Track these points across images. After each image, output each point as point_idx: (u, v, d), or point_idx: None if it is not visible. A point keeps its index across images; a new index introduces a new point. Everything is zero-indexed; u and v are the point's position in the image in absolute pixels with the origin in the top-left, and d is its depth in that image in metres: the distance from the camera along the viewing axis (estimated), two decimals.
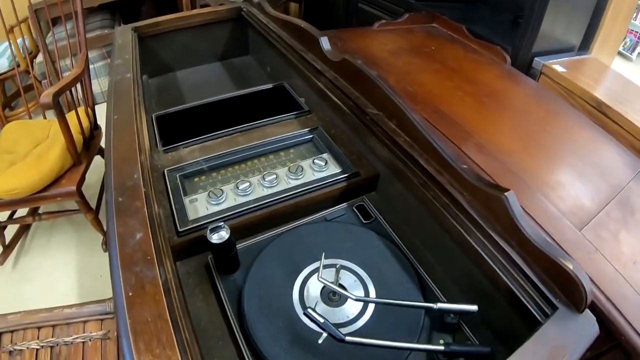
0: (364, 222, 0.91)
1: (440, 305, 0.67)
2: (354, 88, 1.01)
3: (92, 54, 2.66)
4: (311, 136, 1.07)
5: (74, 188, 1.53)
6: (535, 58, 1.59)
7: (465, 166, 0.73)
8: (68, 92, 1.77)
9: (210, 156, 0.99)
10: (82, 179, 1.59)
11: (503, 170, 0.94)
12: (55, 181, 1.54)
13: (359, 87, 1.00)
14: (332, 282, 0.70)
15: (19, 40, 2.20)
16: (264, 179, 0.91)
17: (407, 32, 1.71)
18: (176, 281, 0.63)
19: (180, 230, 0.81)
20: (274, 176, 0.92)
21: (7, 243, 1.87)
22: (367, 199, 0.96)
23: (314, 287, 0.76)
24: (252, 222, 0.86)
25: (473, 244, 0.69)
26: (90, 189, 2.06)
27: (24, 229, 2.00)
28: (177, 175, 0.94)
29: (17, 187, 1.45)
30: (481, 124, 1.11)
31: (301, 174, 0.94)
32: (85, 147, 1.67)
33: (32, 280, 1.86)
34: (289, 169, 0.94)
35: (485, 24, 1.77)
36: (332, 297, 0.75)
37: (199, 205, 0.87)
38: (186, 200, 0.88)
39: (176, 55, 1.59)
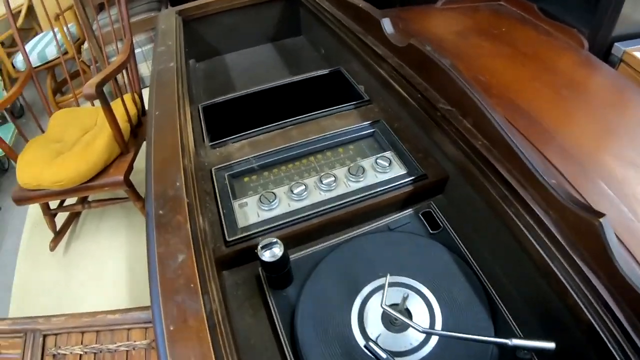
0: (432, 232, 0.79)
1: (515, 342, 0.56)
2: (421, 78, 0.87)
3: (139, 38, 2.62)
4: (372, 130, 0.94)
5: (121, 177, 1.48)
6: (616, 43, 1.39)
7: (554, 181, 0.60)
8: (114, 78, 1.72)
9: (262, 153, 0.89)
10: (130, 167, 1.55)
11: (590, 183, 0.78)
12: (103, 170, 1.50)
13: (427, 77, 0.86)
14: (397, 310, 0.60)
15: (65, 28, 2.18)
16: (321, 181, 0.80)
17: (473, 11, 1.53)
18: (222, 311, 0.54)
19: (228, 240, 0.72)
20: (332, 178, 0.81)
21: (57, 229, 1.86)
22: (434, 204, 0.83)
23: (375, 310, 0.66)
24: (307, 230, 0.76)
25: (556, 271, 0.57)
26: (140, 175, 2.02)
27: (74, 216, 1.99)
28: (226, 175, 0.85)
29: (64, 178, 1.42)
30: (563, 122, 0.95)
31: (362, 176, 0.82)
32: (132, 135, 1.62)
33: (82, 266, 1.86)
34: (349, 169, 0.83)
35: (558, 2, 1.56)
36: (394, 321, 0.65)
37: (249, 211, 0.77)
38: (235, 204, 0.79)
39: (224, 37, 1.49)
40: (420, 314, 0.65)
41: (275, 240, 0.62)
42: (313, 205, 0.78)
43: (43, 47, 2.49)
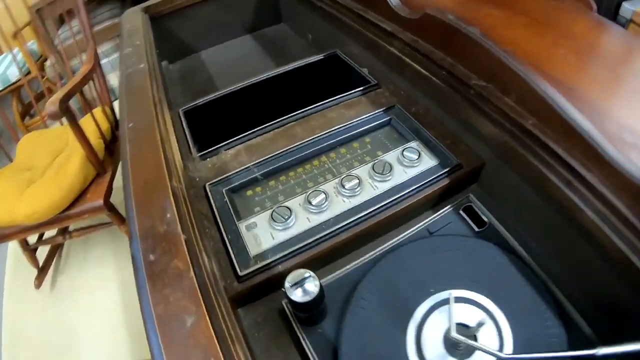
0: (477, 230, 0.66)
1: (604, 350, 0.44)
2: (444, 52, 0.73)
3: (104, 47, 2.43)
4: (388, 118, 0.80)
5: (101, 202, 1.32)
6: (624, 3, 1.30)
7: (623, 160, 0.47)
8: (82, 92, 1.54)
9: (263, 159, 0.73)
10: (109, 189, 1.38)
11: None
12: (80, 196, 1.33)
13: (452, 50, 0.72)
14: (467, 335, 0.47)
15: (25, 46, 1.99)
16: (342, 185, 0.66)
17: None
18: None
19: (241, 274, 0.57)
20: (356, 181, 0.66)
21: (40, 265, 1.69)
22: (473, 196, 0.69)
23: (433, 333, 0.53)
24: (334, 248, 0.62)
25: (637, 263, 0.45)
26: (121, 194, 1.85)
27: (57, 248, 1.82)
28: (224, 191, 0.69)
29: (38, 210, 1.25)
30: (597, 90, 0.81)
31: (389, 174, 0.68)
32: (108, 152, 1.45)
33: (73, 300, 1.69)
34: (372, 167, 0.68)
35: None
36: (458, 346, 0.51)
37: (261, 233, 0.62)
38: (242, 226, 0.63)
39: (198, 32, 1.32)
40: (487, 333, 0.53)
41: (307, 274, 0.48)
42: (338, 217, 0.63)
43: (4, 69, 2.28)
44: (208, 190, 0.69)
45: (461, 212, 0.68)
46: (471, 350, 0.51)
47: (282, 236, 0.61)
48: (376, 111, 0.80)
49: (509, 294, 0.56)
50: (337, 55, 1.00)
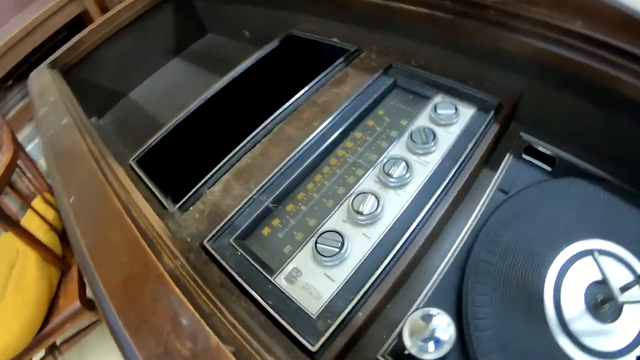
0: (550, 169, 0.52)
1: None
2: None
3: (24, 133, 2.17)
4: (392, 79, 0.62)
5: (77, 304, 1.09)
6: None
7: None
8: (15, 187, 1.30)
9: (265, 181, 0.54)
10: (82, 285, 1.15)
11: None
12: (52, 305, 1.10)
13: None
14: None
15: None
16: (387, 174, 0.48)
17: None
18: None
19: (315, 349, 0.38)
20: (402, 164, 0.48)
21: None
22: (527, 134, 0.54)
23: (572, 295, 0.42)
24: (415, 259, 0.44)
25: None
26: None
27: None
28: (231, 242, 0.50)
29: (10, 341, 1.02)
30: None
31: (433, 142, 0.51)
32: (65, 243, 1.22)
33: None
34: (411, 138, 0.51)
35: None
36: (600, 306, 0.41)
37: (312, 280, 0.44)
38: (281, 281, 0.45)
39: (118, 73, 1.10)
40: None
41: (434, 312, 0.30)
42: (402, 218, 0.45)
43: None
44: (210, 249, 0.50)
45: (524, 156, 0.53)
46: (617, 312, 0.40)
47: (343, 272, 0.43)
48: (374, 77, 0.63)
49: (629, 228, 0.45)
50: (295, 36, 0.81)
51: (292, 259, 0.46)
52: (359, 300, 0.40)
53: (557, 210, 0.47)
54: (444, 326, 0.31)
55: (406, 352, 0.30)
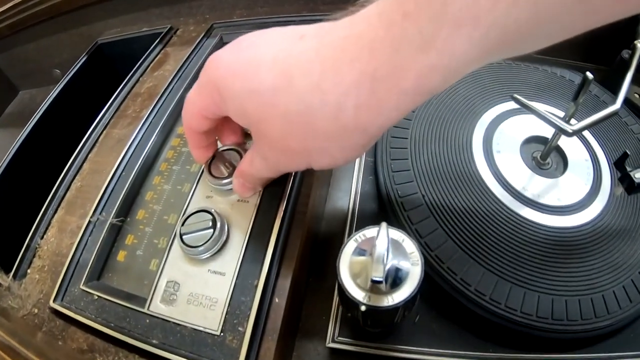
0: None
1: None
2: None
3: None
4: (217, 38, 0.52)
5: None
6: None
7: None
8: None
9: (101, 197, 0.40)
10: None
11: None
12: None
13: None
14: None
15: None
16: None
17: None
18: None
19: None
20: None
21: None
22: None
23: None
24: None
25: None
26: None
27: None
28: (82, 288, 0.36)
29: None
30: None
31: None
32: None
33: None
34: None
35: None
36: (541, 161, 0.38)
37: (195, 286, 0.32)
38: (158, 307, 0.32)
39: None
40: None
41: (369, 232, 0.20)
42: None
43: None
44: (61, 309, 0.35)
45: None
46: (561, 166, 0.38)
47: (230, 257, 0.32)
48: (195, 43, 0.52)
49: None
50: (103, 43, 0.67)
51: (161, 273, 0.33)
52: (266, 282, 0.29)
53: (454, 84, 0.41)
54: (397, 244, 0.21)
55: (362, 308, 0.20)
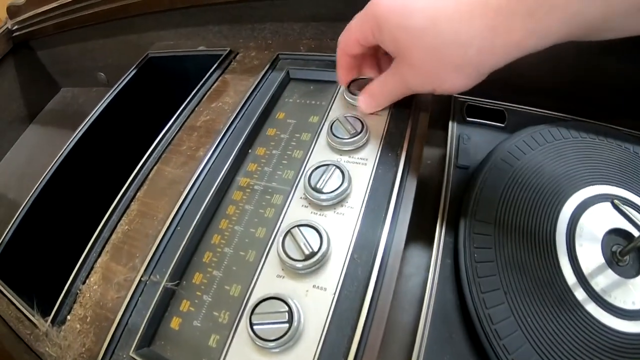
0: (502, 125, 0.43)
1: None
2: None
3: None
4: (283, 72, 0.47)
5: None
6: None
7: None
8: None
9: (153, 253, 0.36)
10: None
11: None
12: None
13: None
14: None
15: None
16: (314, 189, 0.32)
17: None
18: None
19: None
20: (333, 170, 0.33)
21: None
22: (460, 96, 0.43)
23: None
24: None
25: None
26: None
27: None
28: (132, 355, 0.31)
29: None
30: None
31: (362, 130, 0.36)
32: None
33: None
34: (331, 132, 0.36)
35: None
36: (619, 257, 0.32)
37: None
38: None
39: None
40: None
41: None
42: (359, 245, 0.30)
43: None
44: None
45: (469, 118, 0.40)
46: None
47: (305, 353, 0.27)
48: (259, 75, 0.47)
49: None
50: (154, 57, 0.63)
51: (225, 355, 0.28)
52: None
53: (537, 163, 0.35)
54: None
55: None
